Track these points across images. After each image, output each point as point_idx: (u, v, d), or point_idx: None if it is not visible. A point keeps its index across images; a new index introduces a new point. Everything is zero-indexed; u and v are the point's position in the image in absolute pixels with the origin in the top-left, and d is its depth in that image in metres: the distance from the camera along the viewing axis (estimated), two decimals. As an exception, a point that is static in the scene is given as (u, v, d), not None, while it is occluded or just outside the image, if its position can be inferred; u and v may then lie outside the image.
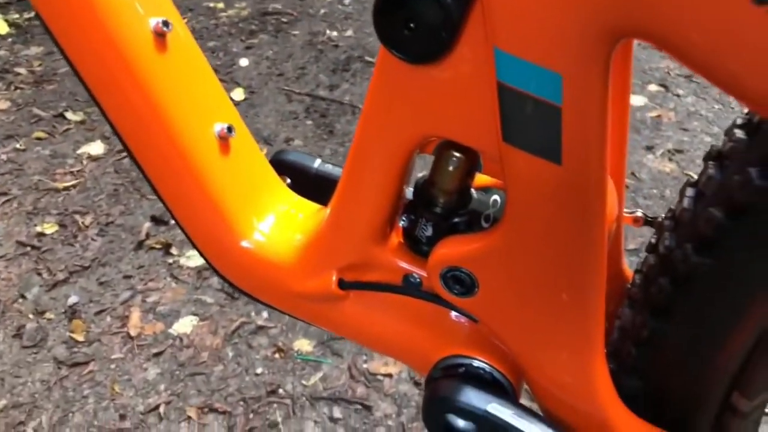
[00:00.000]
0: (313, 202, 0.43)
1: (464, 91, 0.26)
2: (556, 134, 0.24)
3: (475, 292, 0.32)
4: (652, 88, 1.46)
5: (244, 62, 1.55)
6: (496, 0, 0.23)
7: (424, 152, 0.34)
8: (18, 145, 1.24)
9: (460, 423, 0.33)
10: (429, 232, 0.33)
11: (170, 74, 0.36)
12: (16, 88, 1.42)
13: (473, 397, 0.32)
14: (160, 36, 0.35)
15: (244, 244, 0.38)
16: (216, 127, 0.37)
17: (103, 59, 0.35)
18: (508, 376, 0.33)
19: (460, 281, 0.32)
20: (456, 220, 0.33)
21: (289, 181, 0.45)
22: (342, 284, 0.37)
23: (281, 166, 0.46)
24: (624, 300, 0.34)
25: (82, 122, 1.32)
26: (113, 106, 0.37)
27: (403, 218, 0.35)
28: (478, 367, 0.33)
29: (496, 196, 0.33)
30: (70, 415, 0.76)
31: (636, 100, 1.40)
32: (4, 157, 1.21)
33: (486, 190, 0.34)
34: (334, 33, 1.70)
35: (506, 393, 0.33)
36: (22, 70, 1.48)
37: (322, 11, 1.82)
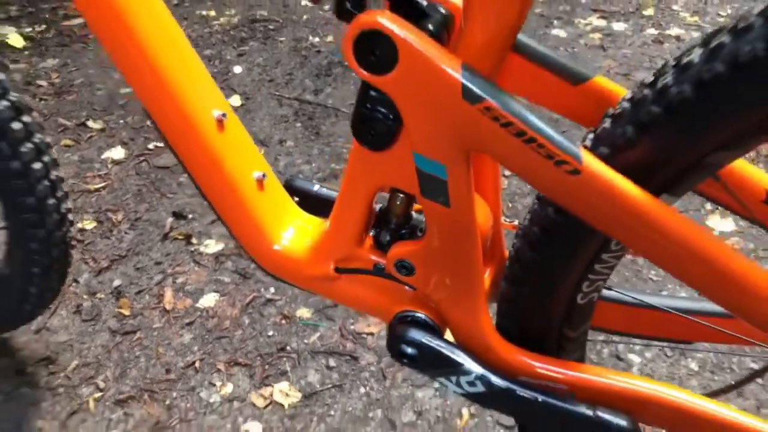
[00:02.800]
0: (315, 216, 0.66)
1: (399, 167, 0.49)
2: (445, 193, 0.48)
3: (414, 273, 0.55)
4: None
5: (237, 69, 1.76)
6: (411, 127, 0.46)
7: (384, 191, 0.57)
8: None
9: (409, 350, 0.57)
10: (387, 238, 0.57)
11: (229, 144, 0.58)
12: (40, 99, 1.62)
13: (415, 334, 0.56)
14: (219, 122, 0.58)
15: (275, 247, 0.61)
16: (255, 175, 0.60)
17: (184, 134, 0.57)
18: (436, 321, 0.57)
19: (406, 267, 0.55)
20: (402, 231, 0.56)
21: (297, 199, 0.68)
22: (337, 270, 0.60)
23: (291, 189, 0.69)
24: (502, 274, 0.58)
25: (102, 130, 1.53)
26: (189, 160, 0.59)
27: (373, 229, 0.58)
28: (417, 316, 0.57)
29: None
30: (128, 370, 1.00)
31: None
32: (40, 163, 1.42)
33: (420, 212, 0.57)
34: (316, 39, 1.91)
35: (435, 331, 0.57)
36: (42, 82, 1.68)
37: (305, 17, 2.02)
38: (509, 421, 0.92)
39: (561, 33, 1.98)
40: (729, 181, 0.50)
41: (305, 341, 1.04)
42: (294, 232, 0.63)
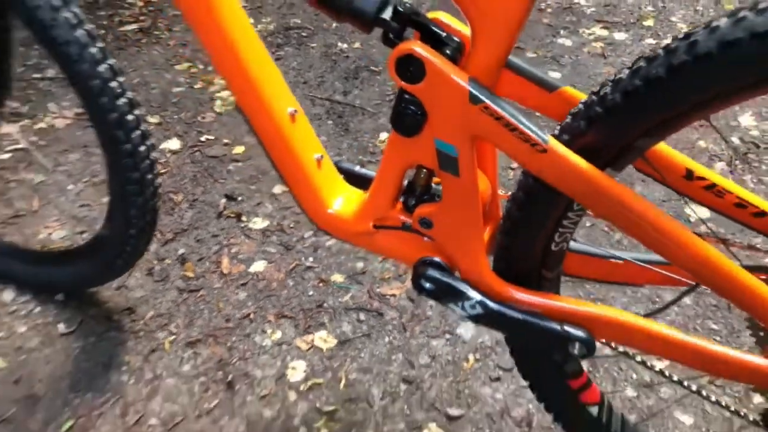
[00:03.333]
0: (356, 189, 0.87)
1: (423, 149, 0.70)
2: (456, 167, 0.68)
3: (432, 227, 0.76)
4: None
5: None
6: (433, 120, 0.67)
7: (411, 168, 0.77)
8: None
9: (428, 285, 0.78)
10: (413, 202, 0.77)
11: (298, 133, 0.79)
12: (104, 96, 1.85)
13: (433, 272, 0.77)
14: (292, 116, 0.79)
15: (329, 210, 0.82)
16: (315, 156, 0.82)
17: (268, 126, 0.78)
18: (447, 263, 0.77)
19: (426, 223, 0.76)
20: (425, 197, 0.77)
21: (342, 177, 0.89)
22: (374, 227, 0.81)
23: (339, 169, 0.90)
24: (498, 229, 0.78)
25: (159, 124, 1.75)
26: (269, 144, 0.80)
27: (402, 197, 0.79)
28: (434, 260, 0.77)
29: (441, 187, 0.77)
30: (194, 320, 1.21)
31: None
32: (108, 152, 1.64)
33: (438, 184, 0.78)
34: (345, 45, 2.12)
35: (447, 271, 0.77)
36: (105, 82, 1.90)
37: (334, 25, 2.23)
38: (508, 364, 1.13)
39: (567, 42, 2.18)
40: (656, 161, 0.70)
41: (339, 300, 1.26)
42: (342, 200, 0.84)
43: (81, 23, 0.88)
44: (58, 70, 0.92)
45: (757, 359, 0.69)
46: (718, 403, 0.85)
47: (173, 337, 1.18)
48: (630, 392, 1.11)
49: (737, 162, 1.63)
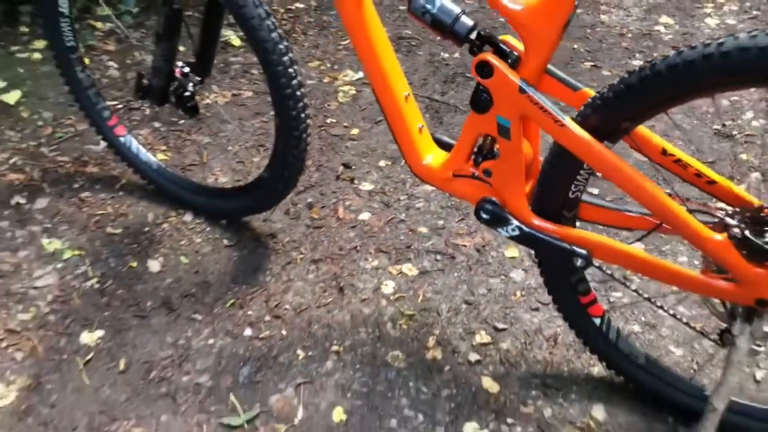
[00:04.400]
0: (443, 151, 1.28)
1: (489, 122, 1.10)
2: (508, 134, 1.08)
3: (492, 176, 1.16)
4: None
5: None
6: (497, 103, 1.07)
7: (481, 135, 1.17)
8: (264, 119, 2.16)
9: (485, 215, 1.18)
10: (480, 159, 1.17)
11: (409, 109, 1.22)
12: (254, 82, 2.35)
13: (489, 205, 1.17)
14: (406, 97, 1.21)
15: (424, 162, 1.24)
16: (418, 125, 1.24)
17: (390, 103, 1.21)
18: (499, 201, 1.17)
19: (488, 173, 1.16)
20: (488, 155, 1.17)
21: (434, 143, 1.31)
22: (453, 175, 1.21)
23: (433, 138, 1.32)
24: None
25: (294, 107, 2.22)
26: (391, 116, 1.23)
27: (473, 155, 1.19)
28: (491, 199, 1.17)
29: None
30: (317, 246, 1.66)
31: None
32: (257, 124, 2.13)
33: (496, 148, 1.17)
34: (446, 55, 2.54)
35: (499, 206, 1.17)
36: (254, 71, 2.41)
37: (438, 38, 2.65)
38: (546, 300, 1.50)
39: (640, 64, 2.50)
40: (641, 141, 1.07)
41: (423, 245, 1.67)
42: (432, 156, 1.25)
43: (265, 10, 1.31)
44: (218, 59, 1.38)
45: (697, 274, 1.05)
46: (678, 319, 1.19)
47: (302, 256, 1.63)
48: (637, 328, 1.46)
49: (770, 174, 1.92)
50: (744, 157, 2.01)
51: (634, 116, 1.00)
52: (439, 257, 1.64)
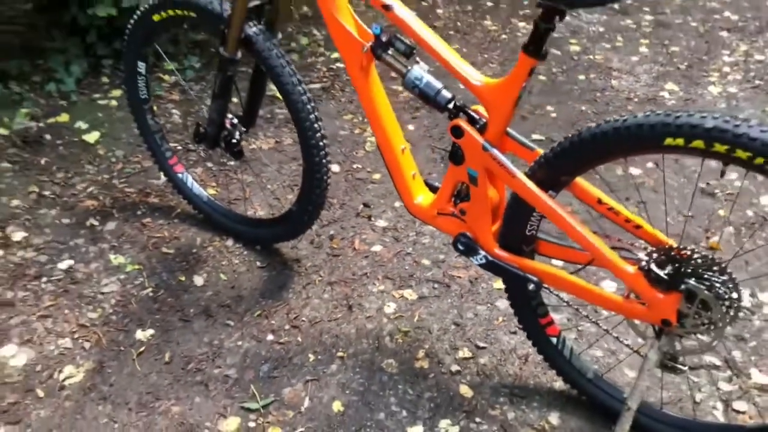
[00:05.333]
0: (431, 192, 1.57)
1: (463, 171, 1.40)
2: (476, 182, 1.37)
3: (466, 215, 1.45)
4: (645, 164, 2.46)
5: (411, 127, 2.75)
6: (467, 158, 1.37)
7: (459, 182, 1.47)
8: (299, 163, 2.51)
9: (461, 246, 1.46)
10: (457, 201, 1.47)
11: (405, 160, 1.53)
12: (293, 132, 2.71)
13: (463, 239, 1.45)
14: (402, 150, 1.53)
15: (415, 201, 1.54)
16: (412, 172, 1.54)
17: (389, 155, 1.53)
18: (472, 236, 1.45)
19: (463, 212, 1.45)
20: (463, 198, 1.46)
21: (425, 185, 1.61)
22: (438, 213, 1.51)
23: (424, 182, 1.62)
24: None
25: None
26: (390, 165, 1.54)
27: (453, 197, 1.48)
28: (465, 233, 1.46)
29: (474, 195, 1.46)
30: (334, 271, 1.96)
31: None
32: (293, 167, 2.48)
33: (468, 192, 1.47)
34: (465, 112, 2.86)
35: (471, 239, 1.45)
36: (295, 122, 2.77)
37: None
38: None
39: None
40: (578, 190, 1.34)
41: (424, 274, 1.96)
42: (423, 197, 1.55)
43: (298, 78, 1.66)
44: (264, 110, 1.73)
45: (620, 299, 1.31)
46: (611, 334, 1.44)
47: (320, 278, 1.94)
48: (574, 335, 1.70)
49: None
50: (721, 213, 2.24)
51: (569, 172, 1.28)
52: (436, 285, 1.93)
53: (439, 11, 3.96)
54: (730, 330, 1.66)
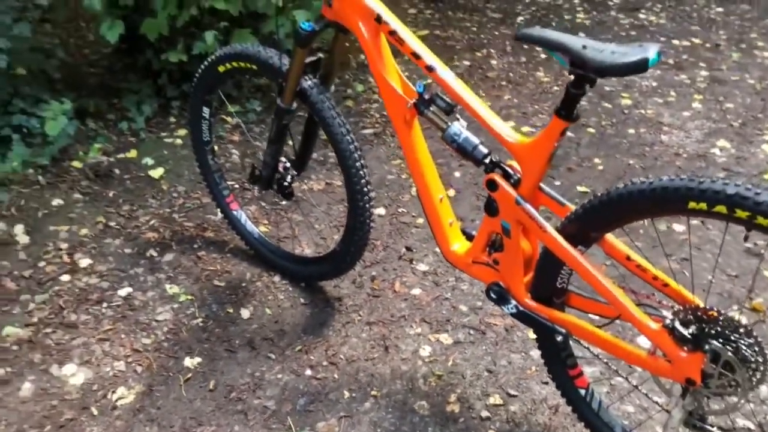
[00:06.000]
0: (468, 240, 1.64)
1: (497, 224, 1.47)
2: (509, 232, 1.44)
3: (499, 264, 1.51)
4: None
5: (457, 174, 2.83)
6: (501, 211, 1.44)
7: (494, 232, 1.53)
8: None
9: (493, 294, 1.52)
10: (492, 251, 1.53)
11: (443, 209, 1.61)
12: (344, 175, 2.83)
13: (496, 288, 1.51)
14: (440, 200, 1.61)
15: (452, 249, 1.61)
16: (449, 220, 1.62)
17: (428, 203, 1.61)
18: (504, 285, 1.51)
19: (497, 262, 1.51)
20: (498, 248, 1.52)
21: (462, 234, 1.68)
22: (473, 262, 1.57)
23: (461, 230, 1.69)
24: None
25: (375, 197, 2.67)
26: (428, 212, 1.62)
27: (487, 248, 1.55)
28: (498, 282, 1.52)
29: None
30: (373, 311, 2.04)
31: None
32: (341, 209, 2.59)
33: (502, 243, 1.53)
34: (511, 162, 2.93)
35: (504, 289, 1.51)
36: (346, 165, 2.90)
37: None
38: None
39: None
40: (608, 247, 1.38)
41: (461, 320, 2.01)
42: (459, 245, 1.62)
43: (347, 128, 1.77)
44: (318, 153, 1.84)
45: (643, 353, 1.33)
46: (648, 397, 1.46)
47: (360, 318, 2.02)
48: (606, 389, 1.71)
49: None
50: (766, 273, 2.22)
51: (598, 228, 1.33)
52: (472, 332, 1.97)
53: (494, 62, 4.07)
54: (766, 392, 1.65)
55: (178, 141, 2.97)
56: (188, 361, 1.85)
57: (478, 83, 3.77)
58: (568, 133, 3.14)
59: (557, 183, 2.79)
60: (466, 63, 4.04)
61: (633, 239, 2.28)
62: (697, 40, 4.53)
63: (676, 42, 4.50)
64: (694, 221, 2.50)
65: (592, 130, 3.26)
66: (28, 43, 2.82)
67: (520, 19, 4.95)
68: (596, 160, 2.98)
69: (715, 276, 2.22)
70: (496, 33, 4.52)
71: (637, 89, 3.73)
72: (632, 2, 5.45)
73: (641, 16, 5.08)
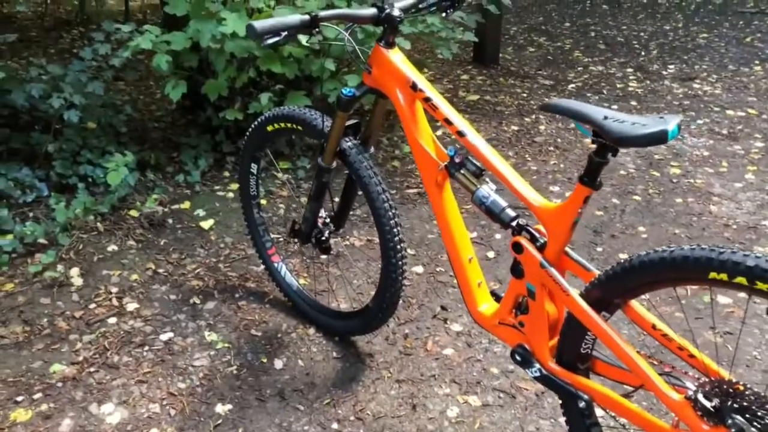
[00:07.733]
0: (495, 302, 1.66)
1: (523, 286, 1.48)
2: (533, 294, 1.45)
3: (524, 327, 1.52)
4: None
5: (498, 236, 2.85)
6: (527, 274, 1.45)
7: (520, 295, 1.55)
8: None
9: (518, 357, 1.52)
10: (517, 313, 1.54)
11: (472, 269, 1.64)
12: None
13: (521, 351, 1.51)
14: (470, 260, 1.64)
15: (479, 309, 1.63)
16: (478, 281, 1.64)
17: (457, 264, 1.64)
18: (529, 348, 1.51)
19: (522, 324, 1.52)
20: (523, 311, 1.53)
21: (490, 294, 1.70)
22: (499, 323, 1.59)
23: (489, 292, 1.71)
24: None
25: (414, 255, 2.71)
26: (457, 272, 1.65)
27: (513, 309, 1.56)
28: (523, 345, 1.52)
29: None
30: (403, 369, 2.05)
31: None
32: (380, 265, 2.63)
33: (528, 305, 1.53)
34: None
35: (529, 352, 1.51)
36: (388, 224, 2.96)
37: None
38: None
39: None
40: (633, 314, 1.38)
41: (491, 382, 2.00)
42: (487, 305, 1.64)
43: (383, 187, 1.84)
44: (362, 210, 1.90)
45: (666, 425, 1.30)
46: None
47: (390, 375, 2.03)
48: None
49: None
50: (816, 352, 2.13)
51: (620, 295, 1.33)
52: (501, 395, 1.96)
53: (542, 127, 4.12)
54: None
55: (230, 194, 3.11)
56: (219, 408, 1.90)
57: (525, 148, 3.82)
58: (614, 200, 3.13)
59: (599, 249, 2.77)
60: (515, 128, 4.11)
61: (676, 309, 2.24)
62: (753, 111, 4.48)
63: (730, 112, 4.46)
64: (741, 294, 2.43)
65: (638, 197, 3.23)
66: (100, 100, 3.05)
67: (571, 86, 5.02)
68: (641, 228, 2.95)
69: (761, 352, 2.14)
70: (546, 99, 4.58)
71: (688, 159, 3.70)
72: (687, 72, 5.45)
73: (695, 85, 5.07)
